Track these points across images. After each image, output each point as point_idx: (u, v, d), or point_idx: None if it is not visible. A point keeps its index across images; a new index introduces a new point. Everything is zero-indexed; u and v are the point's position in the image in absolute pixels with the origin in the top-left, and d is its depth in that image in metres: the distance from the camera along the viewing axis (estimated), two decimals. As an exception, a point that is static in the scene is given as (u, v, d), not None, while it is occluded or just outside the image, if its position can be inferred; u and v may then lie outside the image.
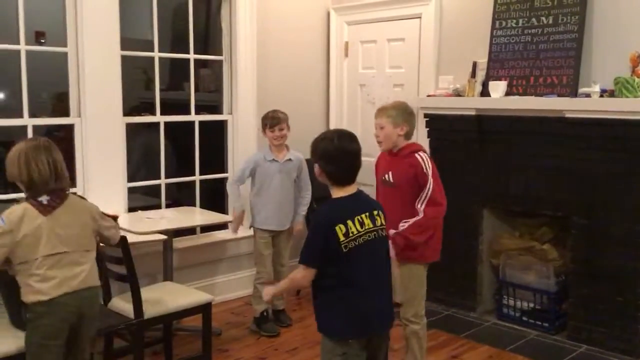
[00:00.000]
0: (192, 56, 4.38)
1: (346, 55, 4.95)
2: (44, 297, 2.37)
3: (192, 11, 4.30)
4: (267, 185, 3.93)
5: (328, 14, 4.97)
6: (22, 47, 3.58)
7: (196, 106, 4.45)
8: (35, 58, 3.68)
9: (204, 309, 3.28)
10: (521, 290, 4.08)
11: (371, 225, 2.30)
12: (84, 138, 3.82)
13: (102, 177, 3.90)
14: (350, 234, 2.23)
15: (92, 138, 3.84)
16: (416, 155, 3.01)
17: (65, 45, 3.77)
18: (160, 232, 3.70)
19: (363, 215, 2.28)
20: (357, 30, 4.88)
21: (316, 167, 2.37)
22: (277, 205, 3.94)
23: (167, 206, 4.33)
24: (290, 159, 3.98)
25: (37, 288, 2.37)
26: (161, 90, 4.28)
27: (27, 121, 3.66)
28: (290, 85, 4.78)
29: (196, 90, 4.50)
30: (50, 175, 2.39)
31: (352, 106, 4.98)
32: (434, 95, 4.32)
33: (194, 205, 4.44)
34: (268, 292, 2.48)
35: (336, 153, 2.32)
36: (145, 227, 3.65)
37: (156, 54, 4.19)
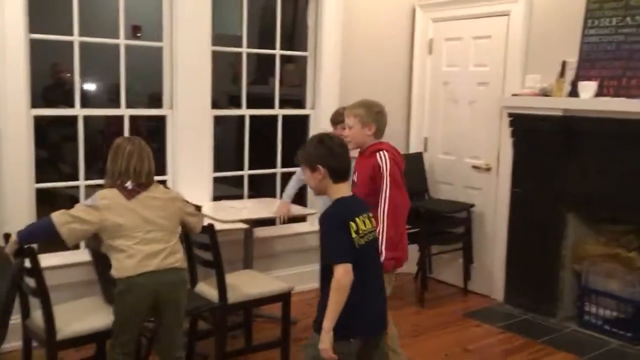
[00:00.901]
0: (278, 52, 4.50)
1: (430, 52, 4.93)
2: (126, 273, 2.58)
3: (280, 8, 4.40)
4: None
5: (413, 11, 4.96)
6: (122, 41, 3.80)
7: (280, 100, 4.56)
8: (131, 52, 3.88)
9: (284, 298, 3.38)
10: (604, 298, 3.95)
11: (370, 226, 2.32)
12: (174, 129, 4.01)
13: (190, 166, 4.08)
14: (360, 232, 2.24)
15: (182, 129, 4.02)
16: (377, 154, 2.86)
17: (160, 40, 3.97)
18: (243, 221, 3.84)
19: (364, 215, 2.30)
20: (442, 27, 4.84)
21: (312, 174, 2.31)
22: None
23: (249, 197, 4.48)
24: None
25: (122, 265, 2.60)
26: (247, 84, 4.42)
27: (124, 111, 3.88)
28: (373, 82, 4.80)
29: (280, 84, 4.61)
30: (141, 169, 2.69)
31: (434, 104, 4.95)
32: (519, 95, 4.23)
33: (274, 196, 4.56)
34: (324, 342, 2.17)
35: (334, 148, 2.30)
36: (228, 215, 3.79)
37: (244, 50, 4.33)
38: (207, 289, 3.22)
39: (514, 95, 4.27)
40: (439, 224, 4.63)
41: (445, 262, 4.87)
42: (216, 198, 4.27)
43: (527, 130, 4.21)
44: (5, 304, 2.52)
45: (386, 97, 4.91)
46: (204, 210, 3.33)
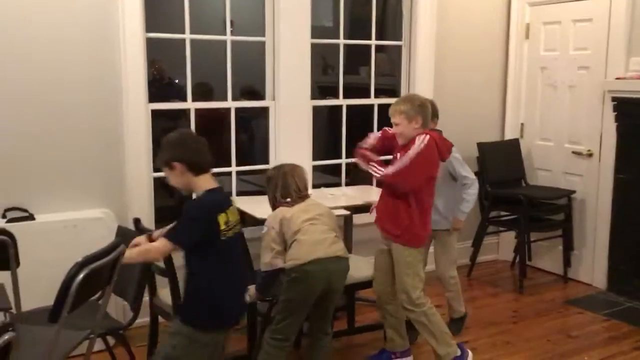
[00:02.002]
0: (373, 42, 4.58)
1: (527, 37, 4.86)
2: (297, 262, 2.73)
3: (375, -1, 4.49)
4: None
5: (509, -4, 4.91)
6: (228, 37, 4.00)
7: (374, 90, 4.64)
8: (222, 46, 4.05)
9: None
10: None
11: (237, 218, 2.42)
12: (276, 120, 4.19)
13: (291, 155, 4.22)
14: (230, 223, 2.34)
15: (284, 120, 4.19)
16: (422, 135, 2.99)
17: (257, 34, 4.15)
18: (343, 208, 3.96)
19: (232, 208, 2.40)
20: (540, 11, 4.77)
21: (171, 172, 2.36)
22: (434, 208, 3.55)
23: (345, 185, 4.60)
24: None
25: (293, 255, 2.75)
26: (337, 74, 4.51)
27: (230, 104, 4.10)
28: (467, 69, 4.81)
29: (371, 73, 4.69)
30: (294, 187, 2.93)
31: (531, 90, 4.89)
32: (623, 78, 4.12)
33: (370, 184, 4.67)
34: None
35: (186, 142, 2.36)
36: (330, 202, 3.92)
37: (341, 41, 4.45)
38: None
39: (617, 79, 4.16)
40: (538, 210, 4.59)
41: (544, 250, 4.82)
42: (314, 186, 4.42)
43: (632, 114, 4.10)
44: (138, 282, 2.77)
45: (481, 83, 4.96)
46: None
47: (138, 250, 2.30)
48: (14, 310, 2.34)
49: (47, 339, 1.79)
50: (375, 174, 3.12)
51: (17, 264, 2.23)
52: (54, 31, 3.39)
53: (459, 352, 3.08)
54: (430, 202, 3.13)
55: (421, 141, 2.97)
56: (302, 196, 2.94)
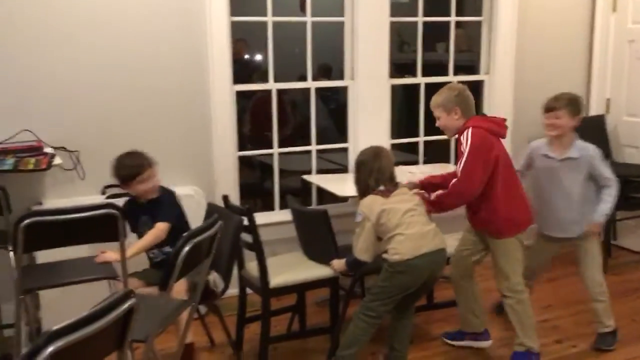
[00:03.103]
0: (453, 18, 4.54)
1: (614, 9, 4.68)
2: (404, 257, 2.74)
3: (454, -26, 4.44)
4: (541, 186, 3.26)
5: (595, -33, 4.74)
6: (309, 18, 4.08)
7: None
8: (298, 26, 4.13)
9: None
10: None
11: None
12: (356, 98, 4.25)
13: (369, 134, 4.30)
14: None
15: (363, 98, 4.25)
16: (465, 131, 2.89)
17: (341, 15, 4.20)
18: (422, 185, 3.99)
19: None
20: (628, -18, 4.59)
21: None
22: (552, 212, 3.23)
23: (424, 163, 4.63)
24: (572, 157, 3.14)
25: (399, 249, 2.76)
26: (412, 51, 4.48)
27: (311, 84, 4.20)
28: (550, 43, 4.69)
29: (448, 50, 4.65)
30: (388, 174, 2.88)
31: (617, 64, 4.72)
32: None
33: (448, 162, 4.67)
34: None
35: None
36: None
37: (420, 19, 4.43)
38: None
39: None
40: (625, 188, 4.43)
41: (629, 229, 4.69)
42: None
43: None
44: (229, 256, 2.93)
45: (564, 58, 4.83)
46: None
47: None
48: (121, 278, 2.55)
49: (157, 305, 1.95)
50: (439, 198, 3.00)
51: (125, 235, 2.42)
52: (147, 21, 3.59)
53: (537, 350, 3.04)
54: (516, 184, 3.02)
55: (466, 138, 2.87)
56: (396, 184, 2.92)
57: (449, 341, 3.35)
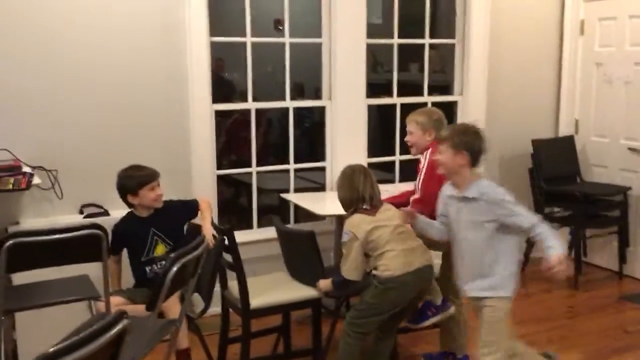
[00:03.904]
0: (427, 41, 4.65)
1: (582, 33, 4.86)
2: (395, 272, 2.76)
3: (429, -2, 4.55)
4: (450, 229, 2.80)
5: (563, -8, 4.91)
6: (287, 39, 4.15)
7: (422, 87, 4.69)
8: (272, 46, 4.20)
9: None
10: None
11: None
12: (333, 118, 4.31)
13: (346, 152, 4.36)
14: None
15: (340, 118, 4.31)
16: (425, 151, 3.11)
17: (313, 35, 4.27)
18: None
19: None
20: (595, 7, 4.76)
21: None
22: (460, 261, 2.76)
23: (400, 181, 4.70)
24: (467, 197, 2.64)
25: (389, 265, 2.77)
26: (386, 72, 4.55)
27: (289, 104, 4.25)
28: (521, 65, 4.84)
29: (422, 70, 4.75)
30: (372, 192, 2.90)
31: (586, 86, 4.88)
32: (682, 74, 4.10)
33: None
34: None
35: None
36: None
37: (395, 41, 4.53)
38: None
39: (676, 74, 4.14)
40: (594, 207, 4.59)
41: (599, 246, 4.82)
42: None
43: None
44: (211, 275, 2.94)
45: (535, 79, 4.98)
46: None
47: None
48: (103, 299, 2.54)
49: (144, 326, 1.96)
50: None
51: (108, 255, 2.42)
52: (127, 39, 3.60)
53: None
54: None
55: (425, 156, 3.10)
56: (381, 201, 2.95)
57: None
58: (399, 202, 3.23)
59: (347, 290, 3.02)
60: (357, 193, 2.87)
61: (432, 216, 2.97)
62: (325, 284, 2.98)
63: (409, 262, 2.79)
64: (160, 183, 3.10)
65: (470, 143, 2.60)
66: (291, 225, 4.32)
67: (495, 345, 2.61)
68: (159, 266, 3.05)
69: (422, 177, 3.09)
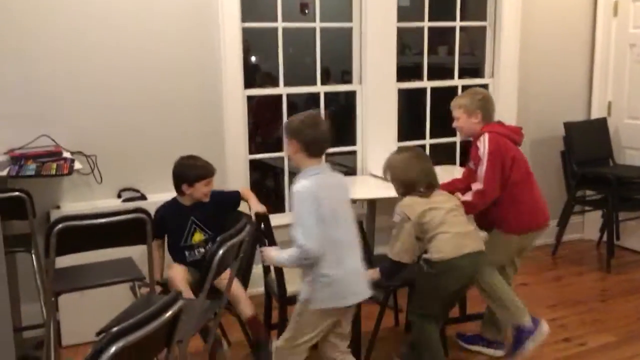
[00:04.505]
0: (458, 23, 4.63)
1: (615, 14, 4.78)
2: (447, 255, 2.71)
3: (459, -20, 4.52)
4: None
5: (596, -27, 4.84)
6: (317, 24, 4.15)
7: (451, 70, 4.66)
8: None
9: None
10: None
11: None
12: (364, 103, 4.32)
13: (377, 137, 4.37)
14: None
15: (371, 102, 4.32)
16: (481, 137, 2.98)
17: (349, 20, 4.27)
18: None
19: None
20: (629, -13, 4.69)
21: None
22: None
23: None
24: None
25: (440, 248, 2.73)
26: (414, 55, 4.52)
27: (320, 88, 4.27)
28: (553, 47, 4.79)
29: (450, 53, 4.72)
30: (428, 174, 2.85)
31: (619, 67, 4.82)
32: None
33: (454, 164, 4.75)
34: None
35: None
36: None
37: (426, 24, 4.51)
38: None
39: None
40: (627, 189, 4.55)
41: (631, 229, 4.79)
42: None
43: None
44: (248, 259, 2.99)
45: (567, 61, 4.92)
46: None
47: None
48: (147, 280, 2.61)
49: (192, 307, 2.02)
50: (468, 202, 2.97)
51: (152, 238, 2.48)
52: (161, 27, 3.64)
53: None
54: (526, 188, 3.06)
55: (483, 143, 2.95)
56: (436, 184, 2.89)
57: (462, 343, 3.36)
58: (449, 191, 3.13)
59: (396, 278, 2.91)
60: (414, 175, 2.80)
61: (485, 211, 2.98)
62: (372, 273, 2.81)
63: (461, 245, 2.73)
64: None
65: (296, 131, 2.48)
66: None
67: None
68: (197, 253, 3.12)
69: (484, 167, 2.93)
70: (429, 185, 2.83)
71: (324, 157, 2.56)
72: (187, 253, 3.11)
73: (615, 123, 4.86)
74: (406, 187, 2.84)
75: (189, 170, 3.05)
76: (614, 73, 4.86)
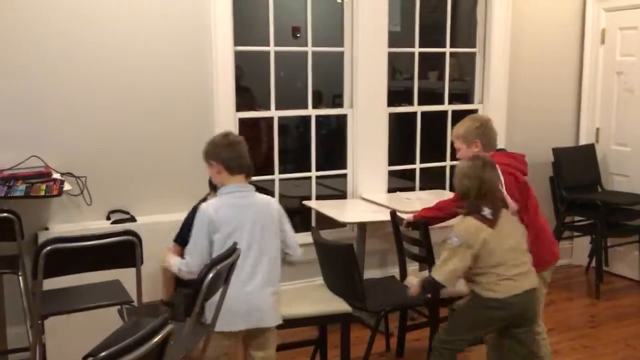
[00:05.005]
0: (448, 49, 4.68)
1: (602, 42, 4.87)
2: (499, 295, 2.55)
3: (450, 6, 4.58)
4: None
5: (584, 1, 4.92)
6: (309, 49, 4.19)
7: (440, 94, 4.70)
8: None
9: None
10: None
11: None
12: (355, 126, 4.34)
13: (368, 160, 4.39)
14: None
15: (361, 126, 4.34)
16: None
17: (341, 44, 4.31)
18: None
19: None
20: (616, 16, 4.77)
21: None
22: None
23: (419, 189, 4.72)
24: None
25: (493, 288, 2.56)
26: (404, 79, 4.57)
27: (311, 112, 4.29)
28: (542, 74, 4.86)
29: (440, 78, 4.77)
30: (495, 190, 2.61)
31: (606, 94, 4.89)
32: None
33: (444, 188, 4.77)
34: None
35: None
36: (407, 207, 4.05)
37: (416, 49, 4.56)
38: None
39: (698, 83, 4.14)
40: (615, 215, 4.59)
41: (620, 255, 4.81)
42: (389, 190, 4.54)
43: None
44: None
45: (556, 88, 4.99)
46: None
47: None
48: (135, 304, 2.58)
49: (181, 331, 1.99)
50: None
51: (141, 261, 2.46)
52: (154, 47, 3.66)
53: None
54: (530, 224, 2.83)
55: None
56: (503, 206, 2.63)
57: None
58: (442, 216, 3.09)
59: (436, 291, 2.80)
60: (484, 185, 2.54)
61: None
62: (414, 281, 2.68)
63: (516, 286, 2.57)
64: None
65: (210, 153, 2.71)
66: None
67: None
68: None
69: (505, 189, 2.70)
70: (496, 207, 2.57)
71: (245, 177, 2.63)
72: None
73: (603, 149, 4.91)
74: (469, 198, 2.58)
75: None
76: (601, 100, 4.92)
